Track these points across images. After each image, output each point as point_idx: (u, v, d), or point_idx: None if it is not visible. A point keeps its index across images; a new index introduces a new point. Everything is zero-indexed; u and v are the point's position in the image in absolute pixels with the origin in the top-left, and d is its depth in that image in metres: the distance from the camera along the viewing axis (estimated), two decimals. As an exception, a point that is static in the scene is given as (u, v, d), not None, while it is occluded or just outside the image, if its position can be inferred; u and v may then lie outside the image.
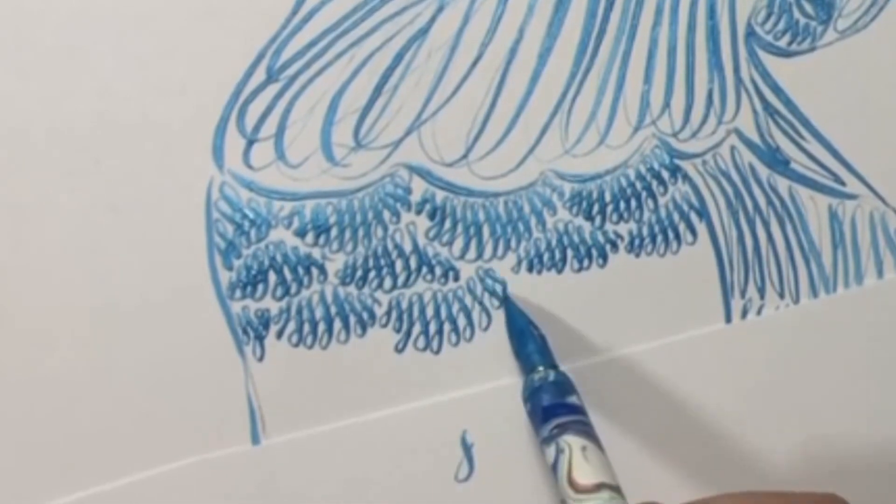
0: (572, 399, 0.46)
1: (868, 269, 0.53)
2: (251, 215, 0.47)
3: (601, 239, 0.50)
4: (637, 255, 0.50)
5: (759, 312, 0.51)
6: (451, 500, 0.50)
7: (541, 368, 0.48)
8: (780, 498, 0.44)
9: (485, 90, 0.49)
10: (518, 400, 0.48)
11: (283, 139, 0.47)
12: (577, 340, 0.50)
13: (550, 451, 0.45)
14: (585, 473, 0.44)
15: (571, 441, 0.45)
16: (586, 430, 0.45)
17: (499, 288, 0.49)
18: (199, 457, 0.47)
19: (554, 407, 0.46)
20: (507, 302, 0.49)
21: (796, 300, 0.52)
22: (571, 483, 0.44)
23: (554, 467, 0.45)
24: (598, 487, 0.43)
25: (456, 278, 0.49)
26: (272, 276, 0.48)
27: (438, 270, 0.49)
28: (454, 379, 0.49)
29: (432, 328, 0.49)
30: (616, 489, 0.43)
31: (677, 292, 0.51)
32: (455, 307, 0.49)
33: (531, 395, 0.47)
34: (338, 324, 0.48)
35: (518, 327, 0.49)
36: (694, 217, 0.51)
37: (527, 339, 0.49)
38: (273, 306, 0.48)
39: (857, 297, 0.52)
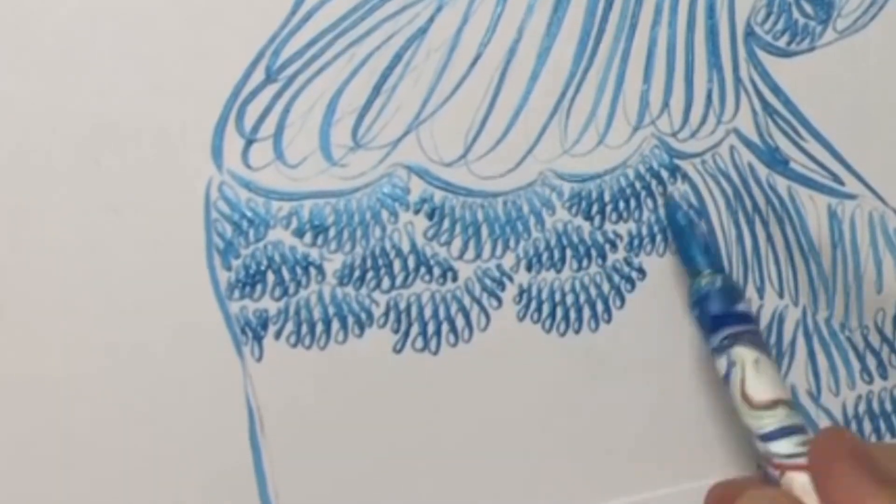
0: (741, 306, 0.45)
1: (867, 269, 0.53)
2: (250, 215, 0.47)
3: (600, 239, 0.50)
4: (636, 255, 0.50)
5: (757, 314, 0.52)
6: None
7: (707, 272, 0.46)
8: None
9: (484, 90, 0.49)
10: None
11: (282, 139, 0.47)
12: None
13: (721, 362, 0.44)
14: (760, 389, 0.43)
15: (744, 353, 0.43)
16: (757, 341, 0.44)
17: (498, 289, 0.49)
18: (198, 457, 0.47)
19: (724, 316, 0.45)
20: (668, 201, 0.47)
21: (795, 301, 0.52)
22: (746, 398, 0.43)
23: (726, 379, 0.44)
24: (774, 404, 0.43)
25: (454, 279, 0.49)
26: (270, 277, 0.48)
27: (437, 271, 0.49)
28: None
29: (430, 329, 0.49)
30: (790, 404, 0.42)
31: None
32: (453, 308, 0.49)
33: (698, 301, 0.45)
34: (336, 324, 0.48)
35: (679, 227, 0.47)
36: (693, 217, 0.51)
37: (689, 239, 0.47)
38: (271, 306, 0.48)
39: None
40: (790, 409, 0.43)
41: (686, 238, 0.47)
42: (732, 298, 0.46)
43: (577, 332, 0.50)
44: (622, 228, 0.50)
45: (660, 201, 0.47)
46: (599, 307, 0.50)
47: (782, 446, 0.43)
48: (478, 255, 0.49)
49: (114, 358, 0.46)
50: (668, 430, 0.51)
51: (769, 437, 0.44)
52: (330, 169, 0.48)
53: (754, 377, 0.43)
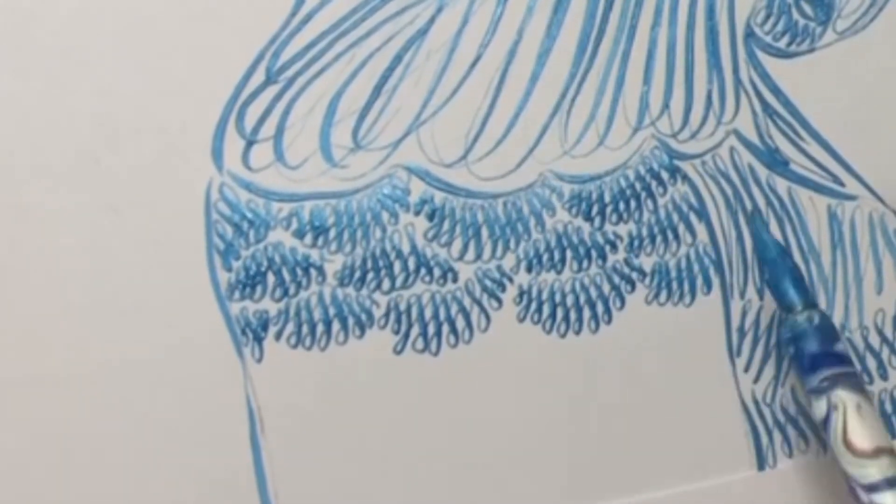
0: (840, 347, 0.44)
1: (867, 270, 0.53)
2: (250, 216, 0.47)
3: (601, 240, 0.50)
4: (636, 256, 0.50)
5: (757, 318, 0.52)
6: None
7: (802, 308, 0.44)
8: None
9: (484, 91, 0.49)
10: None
11: (283, 140, 0.47)
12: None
13: (821, 404, 0.43)
14: (863, 436, 0.41)
15: (845, 397, 0.42)
16: (859, 385, 0.43)
17: (498, 290, 0.49)
18: (198, 457, 0.47)
19: (822, 356, 0.44)
20: (755, 227, 0.46)
21: (796, 301, 0.52)
22: (848, 445, 0.42)
23: (825, 423, 0.42)
24: (878, 452, 0.41)
25: (455, 280, 0.49)
26: (271, 278, 0.47)
27: (437, 272, 0.49)
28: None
29: (431, 330, 0.49)
30: (892, 452, 0.41)
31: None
32: (454, 309, 0.49)
33: (795, 338, 0.44)
34: (336, 325, 0.48)
35: (769, 258, 0.45)
36: (693, 218, 0.51)
37: (782, 272, 0.45)
38: (272, 307, 0.48)
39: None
40: (893, 457, 0.42)
41: (778, 270, 0.46)
42: (831, 338, 0.44)
43: (578, 333, 0.50)
44: (622, 229, 0.50)
45: (745, 227, 0.46)
46: (599, 308, 0.50)
47: (889, 498, 0.42)
48: (478, 257, 0.49)
49: (114, 358, 0.46)
50: (669, 429, 0.51)
51: (875, 487, 0.42)
52: (330, 170, 0.48)
53: (857, 423, 0.42)
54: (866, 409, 0.43)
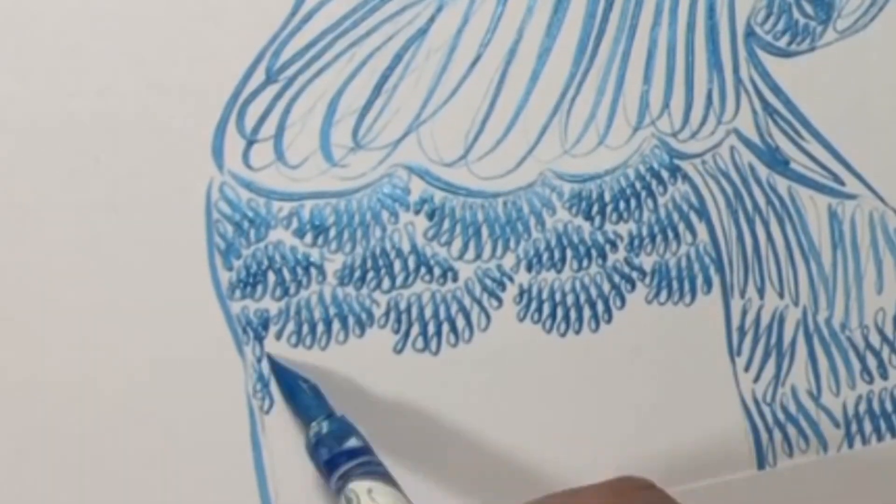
0: (351, 443, 0.45)
1: (868, 269, 0.53)
2: (251, 215, 0.47)
3: (601, 239, 0.50)
4: (637, 255, 0.50)
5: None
6: None
7: (315, 423, 0.46)
8: (571, 496, 0.45)
9: (484, 90, 0.49)
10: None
11: (283, 140, 0.47)
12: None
13: (341, 502, 0.44)
14: None
15: (356, 487, 0.44)
16: (369, 471, 0.44)
17: (498, 289, 0.49)
18: (198, 457, 0.47)
19: (333, 458, 0.45)
20: (272, 363, 0.47)
21: (796, 301, 0.52)
22: None
23: None
24: None
25: (455, 279, 0.49)
26: (271, 277, 0.48)
27: (437, 271, 0.49)
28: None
29: (431, 329, 0.49)
30: None
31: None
32: (454, 308, 0.49)
33: (312, 452, 0.46)
34: (336, 324, 0.48)
35: (288, 386, 0.47)
36: (693, 217, 0.51)
37: (299, 394, 0.47)
38: (272, 307, 0.48)
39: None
40: None
41: (296, 392, 0.47)
42: (341, 437, 0.46)
43: (578, 332, 0.50)
44: (622, 229, 0.50)
45: (265, 363, 0.47)
46: (600, 307, 0.50)
47: None
48: (478, 256, 0.49)
49: (114, 358, 0.46)
50: (668, 430, 0.51)
51: None
52: (330, 169, 0.48)
53: None
54: (379, 490, 0.44)
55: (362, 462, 0.45)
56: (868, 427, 0.53)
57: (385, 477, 0.45)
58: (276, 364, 0.48)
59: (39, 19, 0.45)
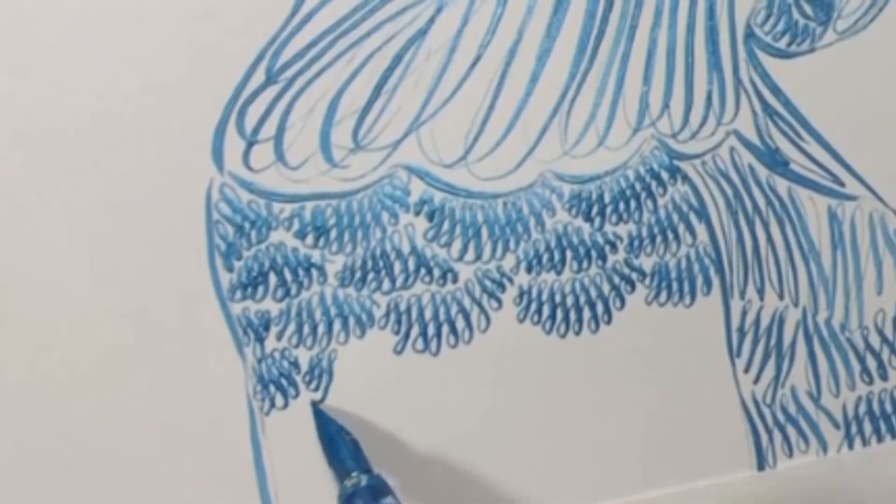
0: (387, 501, 0.46)
1: (867, 269, 0.53)
2: (251, 217, 0.47)
3: (600, 240, 0.50)
4: (636, 256, 0.51)
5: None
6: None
7: (354, 474, 0.47)
8: None
9: (484, 91, 0.49)
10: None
11: (283, 141, 0.47)
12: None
13: None
14: None
15: None
16: None
17: (498, 291, 0.49)
18: (198, 457, 0.47)
19: None
20: (316, 411, 0.48)
21: (796, 301, 0.52)
22: None
23: None
24: None
25: (454, 280, 0.49)
26: (272, 278, 0.48)
27: (437, 272, 0.49)
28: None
29: (431, 330, 0.49)
30: None
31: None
32: (454, 309, 0.49)
33: (345, 501, 0.46)
34: (337, 325, 0.48)
35: (328, 434, 0.48)
36: (693, 218, 0.51)
37: (339, 445, 0.48)
38: (273, 308, 0.48)
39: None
40: None
41: (336, 444, 0.48)
42: (378, 493, 0.46)
43: (578, 333, 0.50)
44: (622, 230, 0.50)
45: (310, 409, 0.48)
46: (599, 308, 0.50)
47: None
48: (478, 257, 0.49)
49: (114, 358, 0.46)
50: (669, 430, 0.51)
51: None
52: (331, 170, 0.48)
53: None
54: None
55: None
56: (868, 428, 0.53)
57: None
58: (320, 413, 0.48)
59: (39, 19, 0.45)
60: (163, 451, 0.47)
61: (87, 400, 0.46)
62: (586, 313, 0.50)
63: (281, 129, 0.47)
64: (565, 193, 0.50)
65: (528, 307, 0.50)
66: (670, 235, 0.51)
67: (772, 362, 0.52)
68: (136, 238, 0.46)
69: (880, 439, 0.54)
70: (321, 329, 0.48)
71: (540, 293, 0.50)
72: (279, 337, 0.48)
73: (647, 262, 0.51)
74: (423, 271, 0.49)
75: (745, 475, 0.52)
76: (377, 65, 0.48)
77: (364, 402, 0.49)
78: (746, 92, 0.51)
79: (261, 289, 0.48)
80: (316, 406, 0.48)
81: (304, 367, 0.48)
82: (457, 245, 0.49)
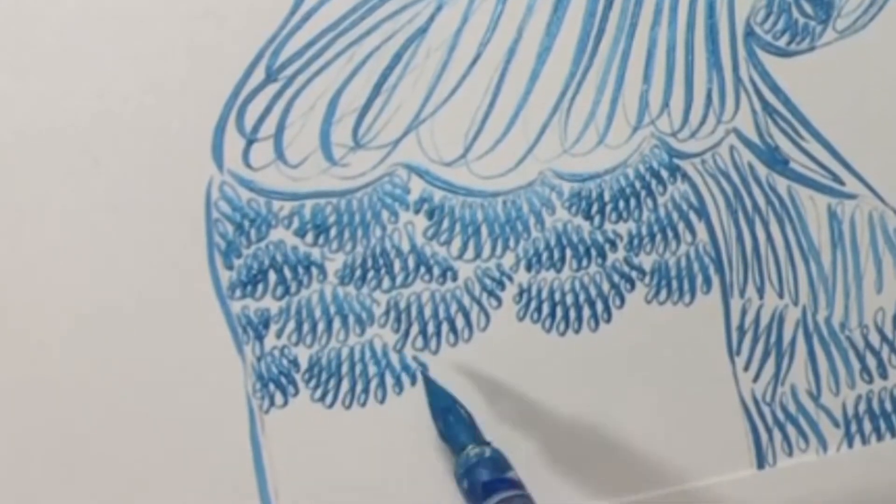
0: (511, 474, 0.46)
1: (867, 268, 0.53)
2: (251, 215, 0.47)
3: (600, 238, 0.50)
4: (636, 255, 0.51)
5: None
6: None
7: (472, 446, 0.47)
8: None
9: (484, 89, 0.49)
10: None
11: (283, 139, 0.47)
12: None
13: None
14: None
15: None
16: None
17: (498, 289, 0.49)
18: (198, 456, 0.47)
19: (494, 482, 0.46)
20: (428, 382, 0.48)
21: (795, 300, 0.52)
22: None
23: None
24: None
25: (454, 278, 0.49)
26: (272, 276, 0.48)
27: (436, 270, 0.49)
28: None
29: (430, 328, 0.49)
30: None
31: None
32: (453, 307, 0.49)
33: (468, 471, 0.46)
34: (337, 323, 0.48)
35: (443, 406, 0.48)
36: (693, 216, 0.51)
37: (454, 417, 0.48)
38: (273, 306, 0.48)
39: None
40: None
41: (451, 416, 0.48)
42: (502, 466, 0.47)
43: (577, 331, 0.50)
44: (622, 228, 0.50)
45: (419, 380, 0.48)
46: (599, 307, 0.50)
47: None
48: (477, 255, 0.49)
49: (114, 357, 0.46)
50: (668, 428, 0.51)
51: None
52: (330, 169, 0.48)
53: None
54: None
55: (521, 495, 0.46)
56: (868, 427, 0.53)
57: None
58: (433, 384, 0.48)
59: (39, 19, 0.45)
60: (162, 449, 0.47)
61: (87, 399, 0.46)
62: (586, 311, 0.50)
63: (281, 128, 0.47)
64: (565, 192, 0.50)
65: (527, 305, 0.50)
66: (670, 234, 0.51)
67: (771, 361, 0.52)
68: (136, 237, 0.46)
69: (880, 438, 0.54)
70: (321, 327, 0.48)
71: (539, 291, 0.50)
72: (279, 335, 0.48)
73: (646, 261, 0.51)
74: (422, 269, 0.49)
75: (745, 474, 0.52)
76: (377, 63, 0.48)
77: (363, 401, 0.49)
78: (746, 90, 0.51)
79: (260, 287, 0.48)
80: (427, 377, 0.48)
81: (304, 365, 0.48)
82: (456, 243, 0.49)
